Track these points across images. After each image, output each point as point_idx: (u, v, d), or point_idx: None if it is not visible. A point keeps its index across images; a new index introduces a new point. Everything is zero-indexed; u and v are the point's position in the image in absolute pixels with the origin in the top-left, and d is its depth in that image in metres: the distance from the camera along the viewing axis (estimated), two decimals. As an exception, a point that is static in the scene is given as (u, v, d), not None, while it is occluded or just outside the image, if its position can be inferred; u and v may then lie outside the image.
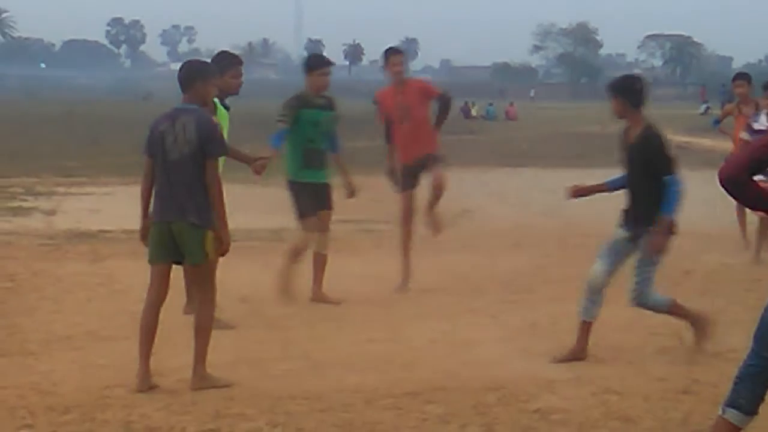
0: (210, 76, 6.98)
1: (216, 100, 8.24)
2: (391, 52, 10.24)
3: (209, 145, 6.72)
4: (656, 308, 7.74)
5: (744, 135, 11.64)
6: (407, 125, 10.03)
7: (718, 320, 8.72)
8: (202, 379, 6.78)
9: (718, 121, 13.34)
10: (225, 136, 8.00)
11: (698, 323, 7.77)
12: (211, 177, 6.72)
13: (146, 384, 6.74)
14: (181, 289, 9.28)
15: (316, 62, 9.57)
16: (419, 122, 10.08)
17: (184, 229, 6.77)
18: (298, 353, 7.65)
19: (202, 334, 6.83)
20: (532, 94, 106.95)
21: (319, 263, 9.56)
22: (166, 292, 7.03)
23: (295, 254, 9.46)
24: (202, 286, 6.92)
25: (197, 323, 6.87)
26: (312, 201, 9.41)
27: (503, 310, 9.15)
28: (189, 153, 6.71)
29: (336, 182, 9.74)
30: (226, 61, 8.61)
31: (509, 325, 8.62)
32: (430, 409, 6.34)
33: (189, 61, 7.17)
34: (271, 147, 9.23)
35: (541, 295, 9.79)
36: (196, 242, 6.76)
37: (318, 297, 9.49)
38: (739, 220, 12.37)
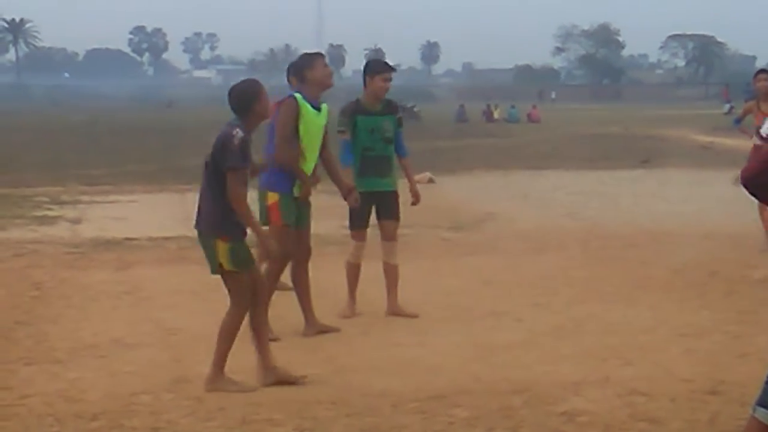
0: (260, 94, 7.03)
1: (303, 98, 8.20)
2: None
3: (221, 157, 6.78)
4: None
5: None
6: None
7: (745, 321, 8.72)
8: (211, 382, 6.88)
9: (738, 120, 13.19)
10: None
11: None
12: (229, 189, 6.75)
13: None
14: (205, 296, 9.33)
15: (378, 66, 9.06)
16: None
17: (199, 237, 6.96)
18: (323, 358, 7.66)
19: (222, 338, 6.92)
20: (553, 96, 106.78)
21: (390, 274, 9.26)
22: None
23: (350, 268, 9.23)
24: (230, 293, 6.96)
25: (221, 327, 6.95)
26: (366, 213, 9.04)
27: (528, 313, 9.14)
28: (207, 162, 6.87)
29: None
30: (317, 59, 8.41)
31: (534, 327, 8.61)
32: (456, 413, 6.34)
33: (235, 85, 7.17)
34: (343, 165, 8.89)
35: (565, 297, 9.77)
36: (208, 251, 6.89)
37: (393, 310, 9.20)
38: (763, 218, 12.28)
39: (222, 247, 6.80)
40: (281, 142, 8.15)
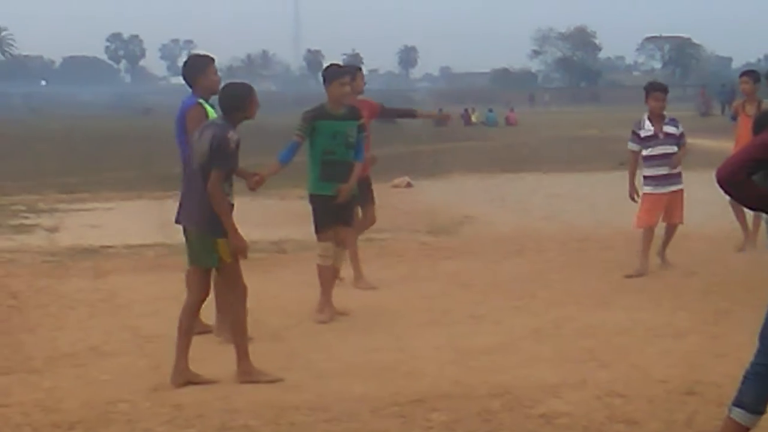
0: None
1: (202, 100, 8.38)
2: None
3: (215, 157, 6.99)
4: None
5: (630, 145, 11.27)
6: None
7: (722, 321, 8.75)
8: (245, 374, 7.17)
9: (734, 118, 13.19)
10: None
11: None
12: (211, 186, 6.99)
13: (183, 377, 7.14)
14: (182, 302, 9.30)
15: (333, 72, 9.30)
16: None
17: (195, 235, 7.24)
18: (301, 363, 7.65)
19: (236, 332, 7.30)
20: (546, 98, 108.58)
21: (331, 276, 9.40)
22: (203, 292, 7.47)
23: (322, 271, 9.30)
24: (228, 283, 7.38)
25: (231, 324, 7.47)
26: (329, 215, 9.22)
27: (506, 316, 9.15)
28: (203, 165, 7.06)
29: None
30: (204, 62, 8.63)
31: (513, 330, 8.61)
32: (435, 417, 6.34)
33: (229, 85, 7.44)
34: (277, 161, 9.18)
35: (543, 300, 9.79)
36: (206, 248, 7.16)
37: (321, 309, 9.31)
38: (738, 217, 12.33)
39: (223, 244, 7.10)
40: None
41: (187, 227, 7.30)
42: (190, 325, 7.31)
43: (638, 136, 11.05)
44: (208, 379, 7.15)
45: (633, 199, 11.18)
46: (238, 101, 7.20)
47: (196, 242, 7.22)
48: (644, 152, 11.03)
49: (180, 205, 7.48)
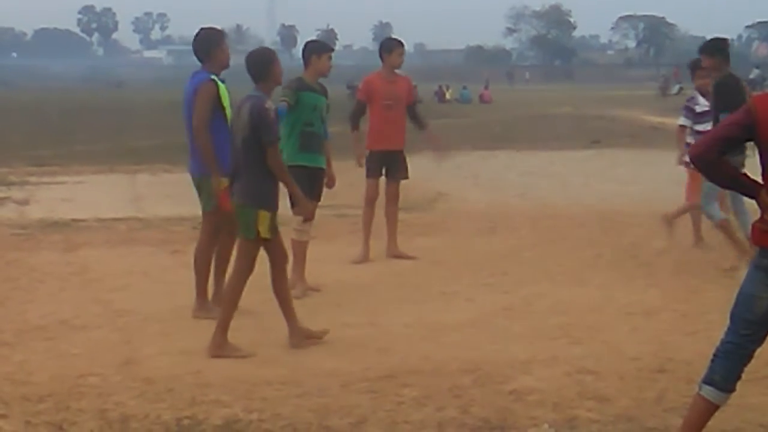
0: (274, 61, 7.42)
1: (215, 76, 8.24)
2: None
3: (261, 132, 7.08)
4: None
5: (682, 120, 11.34)
6: None
7: (693, 299, 8.80)
8: (217, 347, 7.17)
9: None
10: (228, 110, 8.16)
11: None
12: (272, 162, 7.14)
13: None
14: (156, 278, 9.29)
15: (325, 46, 9.59)
16: None
17: (238, 208, 7.33)
18: (273, 338, 7.63)
19: (225, 303, 7.33)
20: (527, 76, 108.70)
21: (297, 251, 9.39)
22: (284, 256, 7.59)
23: (297, 246, 9.27)
24: (240, 259, 7.35)
25: (225, 293, 7.48)
26: (305, 187, 8.99)
27: (478, 293, 9.16)
28: (245, 138, 7.13)
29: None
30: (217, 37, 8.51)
31: (484, 307, 8.63)
32: (406, 393, 6.34)
33: (253, 53, 7.47)
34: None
35: (515, 277, 9.81)
36: (248, 220, 7.23)
37: (292, 286, 9.34)
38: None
39: (264, 217, 7.17)
40: (203, 125, 8.11)
41: (235, 200, 7.32)
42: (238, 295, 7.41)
43: (693, 111, 11.08)
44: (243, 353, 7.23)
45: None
46: (267, 65, 7.27)
47: (239, 214, 7.28)
48: (698, 127, 10.98)
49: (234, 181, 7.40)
